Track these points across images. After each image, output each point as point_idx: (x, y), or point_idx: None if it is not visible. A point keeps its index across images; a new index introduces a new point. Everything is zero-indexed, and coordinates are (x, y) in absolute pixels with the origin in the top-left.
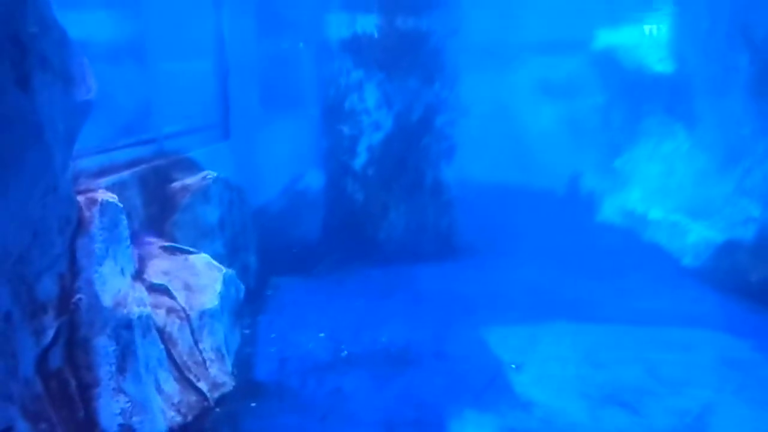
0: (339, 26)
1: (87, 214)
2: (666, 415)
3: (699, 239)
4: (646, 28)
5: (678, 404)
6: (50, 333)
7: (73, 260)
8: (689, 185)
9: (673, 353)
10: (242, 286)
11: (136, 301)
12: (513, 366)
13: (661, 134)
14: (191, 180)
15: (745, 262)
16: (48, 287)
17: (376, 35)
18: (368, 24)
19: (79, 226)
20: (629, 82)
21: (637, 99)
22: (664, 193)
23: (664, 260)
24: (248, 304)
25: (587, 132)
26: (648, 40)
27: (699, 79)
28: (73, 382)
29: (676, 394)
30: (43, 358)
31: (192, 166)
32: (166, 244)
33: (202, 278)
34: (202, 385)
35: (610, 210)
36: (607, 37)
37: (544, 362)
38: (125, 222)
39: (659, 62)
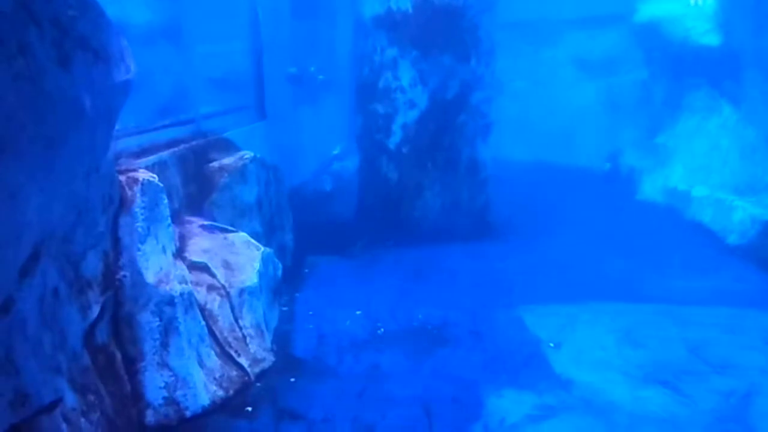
0: (373, 3)
1: (128, 193)
2: (710, 395)
3: (745, 216)
4: None
5: (723, 385)
6: (96, 308)
7: (116, 238)
8: (735, 161)
9: (717, 333)
10: (280, 264)
11: (178, 279)
12: (551, 345)
13: (706, 109)
14: (229, 160)
15: None
16: (93, 264)
17: (410, 11)
18: (403, 0)
19: (121, 205)
20: (673, 55)
21: (681, 73)
22: (709, 169)
23: (708, 238)
24: (285, 282)
25: (628, 108)
26: (693, 11)
27: (747, 52)
28: (118, 356)
29: (720, 375)
30: (90, 332)
31: (229, 146)
32: (206, 222)
33: (240, 256)
34: (243, 361)
35: (651, 188)
36: (650, 9)
37: (583, 341)
38: (166, 201)
39: (705, 34)
